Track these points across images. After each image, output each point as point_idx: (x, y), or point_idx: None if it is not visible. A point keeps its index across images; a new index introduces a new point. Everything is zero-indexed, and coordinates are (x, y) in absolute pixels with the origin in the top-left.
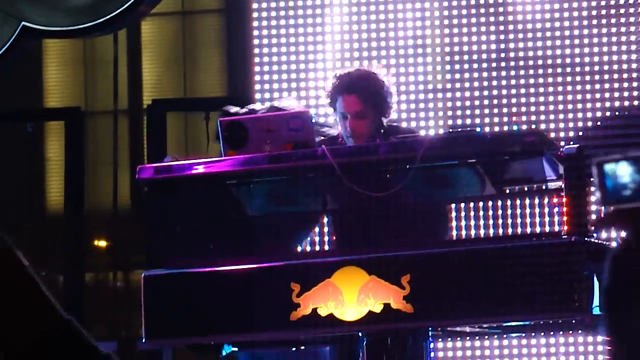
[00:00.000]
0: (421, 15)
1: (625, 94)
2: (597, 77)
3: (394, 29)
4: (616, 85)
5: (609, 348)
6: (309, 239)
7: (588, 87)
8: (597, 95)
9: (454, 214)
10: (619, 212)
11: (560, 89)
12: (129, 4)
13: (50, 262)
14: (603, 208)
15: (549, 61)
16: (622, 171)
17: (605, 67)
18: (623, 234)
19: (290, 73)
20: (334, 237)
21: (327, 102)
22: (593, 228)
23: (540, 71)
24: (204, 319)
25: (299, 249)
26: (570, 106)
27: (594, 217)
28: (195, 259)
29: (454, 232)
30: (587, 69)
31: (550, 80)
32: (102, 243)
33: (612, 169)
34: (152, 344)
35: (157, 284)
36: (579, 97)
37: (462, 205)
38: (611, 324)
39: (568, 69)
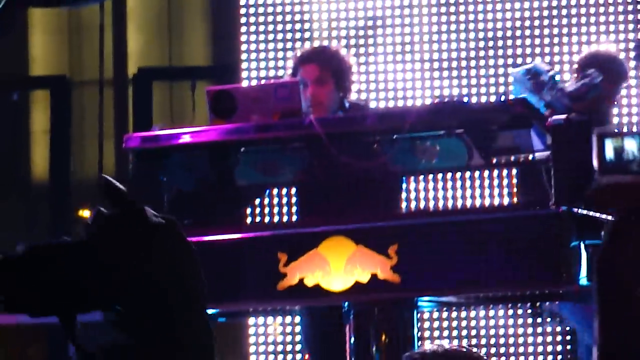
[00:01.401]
0: None
1: None
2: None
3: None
4: None
5: (598, 315)
6: (295, 208)
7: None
8: None
9: (440, 184)
10: (612, 187)
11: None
12: None
13: (34, 233)
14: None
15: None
16: (622, 144)
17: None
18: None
19: (277, 42)
20: (321, 207)
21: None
22: (586, 202)
23: (535, 48)
24: None
25: (285, 218)
26: None
27: (583, 189)
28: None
29: (441, 202)
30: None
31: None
32: (87, 213)
33: (612, 141)
34: None
35: None
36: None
37: (449, 175)
38: (600, 292)
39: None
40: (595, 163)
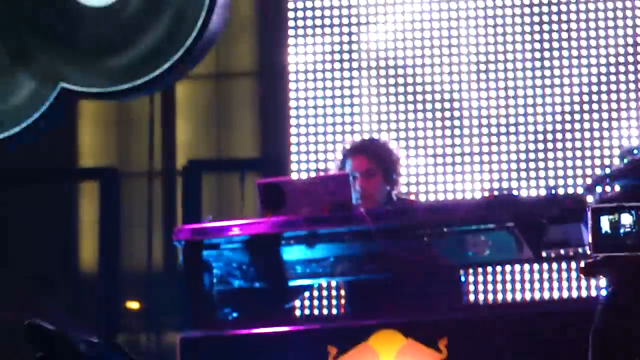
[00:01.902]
0: (458, 79)
1: None
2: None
3: (431, 92)
4: None
5: None
6: (345, 300)
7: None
8: None
9: (490, 277)
10: (606, 261)
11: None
12: (166, 66)
13: (82, 323)
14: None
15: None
16: (617, 221)
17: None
18: (605, 281)
19: (326, 135)
20: (370, 300)
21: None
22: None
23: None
24: None
25: (334, 310)
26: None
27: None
28: (231, 320)
29: (491, 296)
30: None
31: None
32: (135, 305)
33: (608, 218)
34: None
35: (194, 347)
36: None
37: (500, 268)
38: None
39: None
40: (590, 238)
